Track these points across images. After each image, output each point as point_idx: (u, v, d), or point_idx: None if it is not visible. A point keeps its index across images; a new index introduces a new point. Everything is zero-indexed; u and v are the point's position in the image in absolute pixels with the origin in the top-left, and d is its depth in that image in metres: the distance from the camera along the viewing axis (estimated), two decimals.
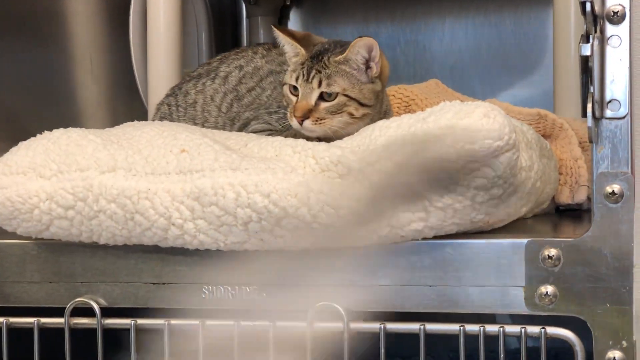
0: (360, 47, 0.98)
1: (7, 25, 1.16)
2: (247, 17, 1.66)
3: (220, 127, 1.11)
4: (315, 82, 0.98)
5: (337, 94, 0.97)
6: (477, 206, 0.78)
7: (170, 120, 1.16)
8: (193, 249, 0.85)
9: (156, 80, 1.30)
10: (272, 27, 1.05)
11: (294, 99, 0.99)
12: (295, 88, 0.99)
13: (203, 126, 1.11)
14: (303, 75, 0.99)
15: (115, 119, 1.34)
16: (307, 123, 0.96)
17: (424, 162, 0.78)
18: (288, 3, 1.66)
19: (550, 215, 1.06)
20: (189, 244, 0.84)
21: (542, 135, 1.06)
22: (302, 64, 1.00)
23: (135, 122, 1.04)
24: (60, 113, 1.27)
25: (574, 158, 1.03)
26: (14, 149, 0.93)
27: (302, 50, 1.01)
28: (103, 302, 0.89)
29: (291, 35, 1.03)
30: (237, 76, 1.12)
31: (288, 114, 0.99)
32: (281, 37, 1.03)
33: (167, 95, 1.19)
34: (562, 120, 1.06)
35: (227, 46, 1.67)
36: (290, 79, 1.00)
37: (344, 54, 0.98)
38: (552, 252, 0.77)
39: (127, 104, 1.29)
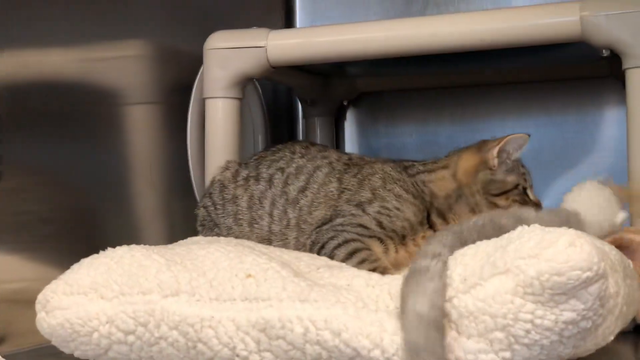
0: None
1: (68, 128, 1.15)
2: (304, 117, 1.64)
3: (276, 234, 1.08)
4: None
5: None
6: (564, 340, 0.73)
7: (210, 221, 1.14)
8: None
9: None
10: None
11: (529, 198, 1.10)
12: (523, 192, 1.09)
13: (251, 225, 1.10)
14: (529, 177, 1.11)
15: (173, 228, 1.32)
16: None
17: None
18: (345, 103, 1.65)
19: (629, 333, 1.00)
20: None
21: (618, 247, 1.01)
22: (522, 165, 1.11)
23: (201, 239, 1.02)
24: (121, 220, 1.25)
25: None
26: (75, 267, 0.91)
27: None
28: None
29: None
30: (281, 179, 1.11)
31: None
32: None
33: (202, 199, 1.18)
34: None
35: None
36: (524, 182, 1.10)
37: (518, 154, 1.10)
38: None
39: (184, 211, 1.27)
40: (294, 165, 1.12)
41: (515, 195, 1.08)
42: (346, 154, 1.17)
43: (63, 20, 1.14)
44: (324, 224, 1.06)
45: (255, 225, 1.11)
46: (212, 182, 1.18)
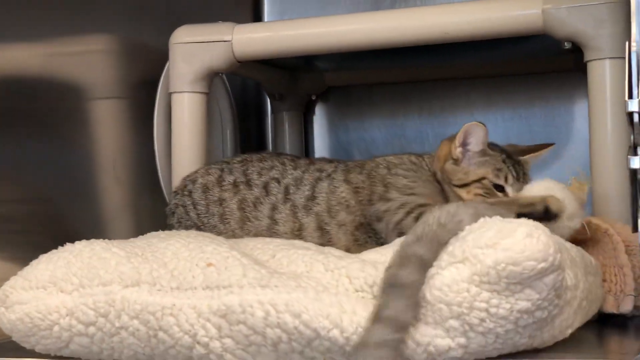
0: None
1: (31, 124, 1.14)
2: (273, 112, 1.64)
3: (283, 235, 1.10)
4: (521, 180, 1.09)
5: None
6: (520, 330, 0.74)
7: (188, 219, 1.15)
8: None
9: None
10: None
11: (499, 195, 1.07)
12: (497, 186, 1.07)
13: (242, 223, 1.11)
14: (513, 174, 1.08)
15: (140, 224, 1.31)
16: None
17: None
18: (314, 98, 1.65)
19: (593, 323, 1.00)
20: None
21: (584, 241, 1.02)
22: (504, 161, 1.09)
23: (160, 233, 1.02)
24: (87, 217, 1.24)
25: (619, 265, 0.98)
26: (34, 262, 0.91)
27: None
28: None
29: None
30: (280, 188, 1.13)
31: None
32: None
33: (179, 197, 1.17)
34: (607, 225, 1.01)
35: (252, 142, 1.65)
36: (495, 177, 1.08)
37: (527, 158, 1.13)
38: None
39: (151, 207, 1.27)
40: (289, 177, 1.14)
41: (478, 189, 1.08)
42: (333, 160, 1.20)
43: (26, 15, 1.13)
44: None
45: (248, 223, 1.12)
46: (194, 182, 1.18)
